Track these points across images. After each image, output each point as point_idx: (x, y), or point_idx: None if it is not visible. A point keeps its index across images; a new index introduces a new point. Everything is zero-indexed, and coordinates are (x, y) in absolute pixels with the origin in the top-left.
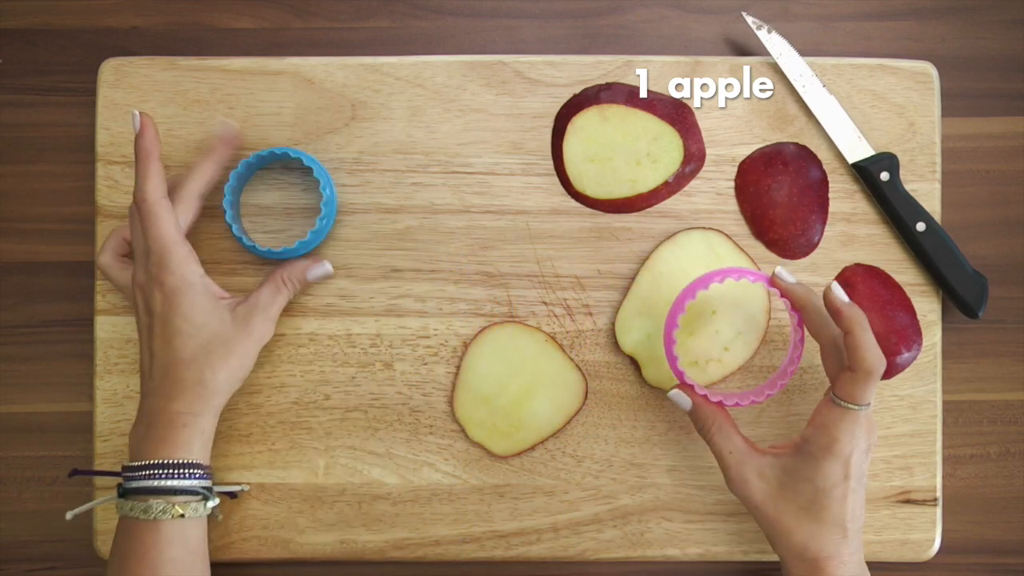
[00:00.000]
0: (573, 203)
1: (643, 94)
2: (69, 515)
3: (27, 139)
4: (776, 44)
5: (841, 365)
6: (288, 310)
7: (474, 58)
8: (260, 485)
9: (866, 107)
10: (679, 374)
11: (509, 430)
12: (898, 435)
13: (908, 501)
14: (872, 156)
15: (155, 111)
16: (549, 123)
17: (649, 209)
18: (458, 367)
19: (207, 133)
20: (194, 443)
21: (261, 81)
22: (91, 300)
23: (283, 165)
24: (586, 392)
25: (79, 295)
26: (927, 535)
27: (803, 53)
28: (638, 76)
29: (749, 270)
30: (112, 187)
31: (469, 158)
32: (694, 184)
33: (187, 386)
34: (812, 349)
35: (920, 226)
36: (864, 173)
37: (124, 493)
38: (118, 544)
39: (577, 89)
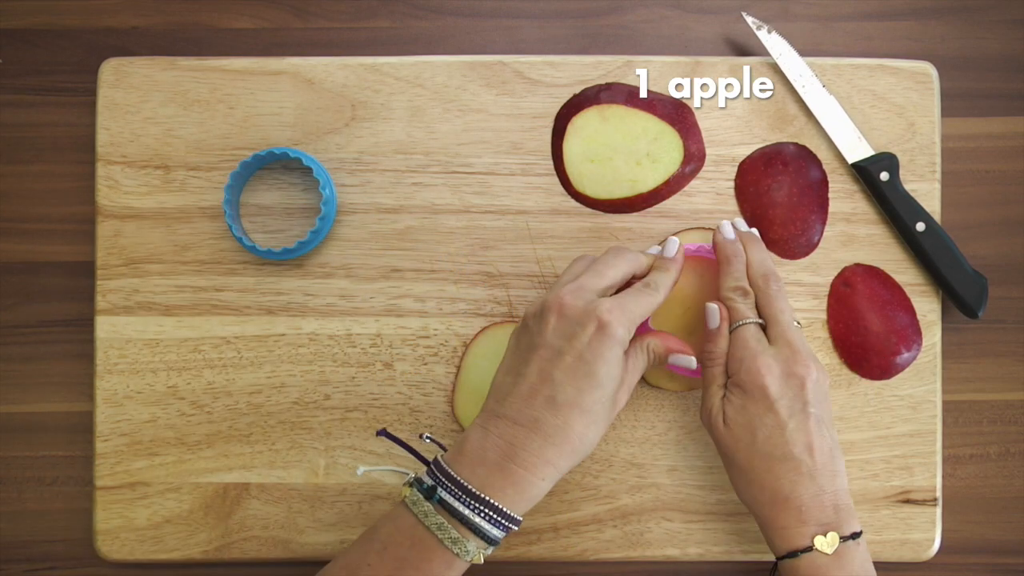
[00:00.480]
0: (573, 203)
1: (643, 94)
2: (360, 471)
3: (27, 139)
4: (776, 44)
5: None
6: (288, 310)
7: (474, 58)
8: (260, 485)
9: (866, 107)
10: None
11: None
12: (898, 435)
13: (908, 501)
14: (872, 156)
15: (155, 111)
16: (549, 123)
17: (649, 209)
18: (458, 367)
19: (207, 133)
20: (536, 499)
21: (261, 81)
22: (91, 300)
23: (283, 165)
24: None
25: (79, 295)
26: (927, 535)
27: (803, 53)
28: (638, 76)
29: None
30: (112, 187)
31: (469, 158)
32: (694, 184)
33: (571, 437)
34: (813, 350)
35: (920, 226)
36: (864, 173)
37: (430, 492)
38: (384, 527)
39: (577, 89)
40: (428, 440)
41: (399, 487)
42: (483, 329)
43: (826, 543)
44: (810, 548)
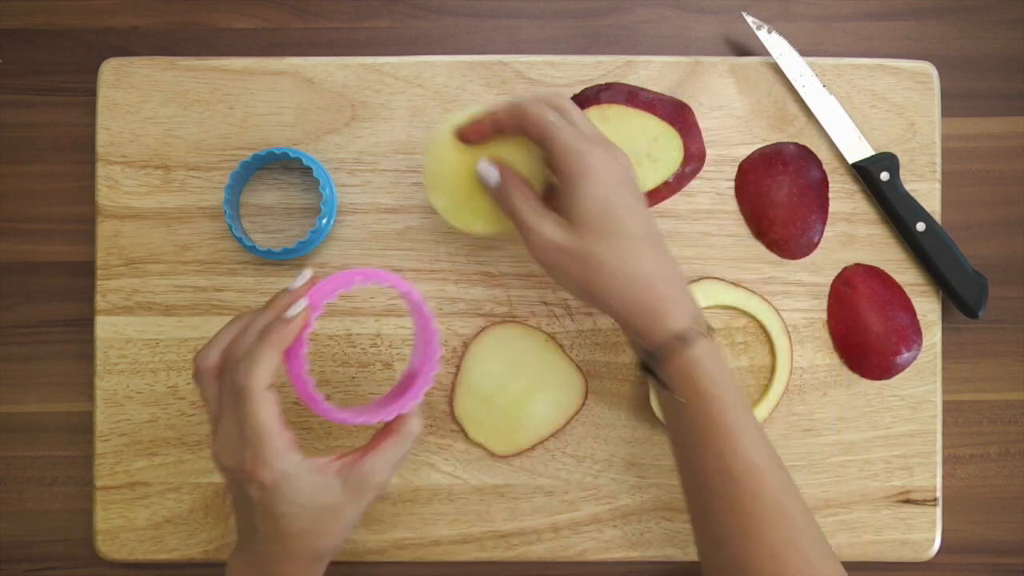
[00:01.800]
0: None
1: (643, 94)
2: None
3: (27, 139)
4: (776, 44)
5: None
6: None
7: (474, 58)
8: None
9: (866, 107)
10: (311, 400)
11: (509, 430)
12: (898, 435)
13: (908, 501)
14: (872, 156)
15: (155, 111)
16: None
17: (649, 209)
18: (458, 367)
19: (207, 132)
20: None
21: (261, 81)
22: (91, 300)
23: (283, 165)
24: (586, 392)
25: (79, 295)
26: (927, 535)
27: (803, 53)
28: (638, 76)
29: (384, 273)
30: (112, 187)
31: None
32: (694, 184)
33: (299, 554)
34: (813, 350)
35: (920, 226)
36: (864, 173)
37: None
38: None
39: (577, 89)
40: None
41: (400, 487)
42: (483, 329)
43: (703, 326)
44: (685, 334)
